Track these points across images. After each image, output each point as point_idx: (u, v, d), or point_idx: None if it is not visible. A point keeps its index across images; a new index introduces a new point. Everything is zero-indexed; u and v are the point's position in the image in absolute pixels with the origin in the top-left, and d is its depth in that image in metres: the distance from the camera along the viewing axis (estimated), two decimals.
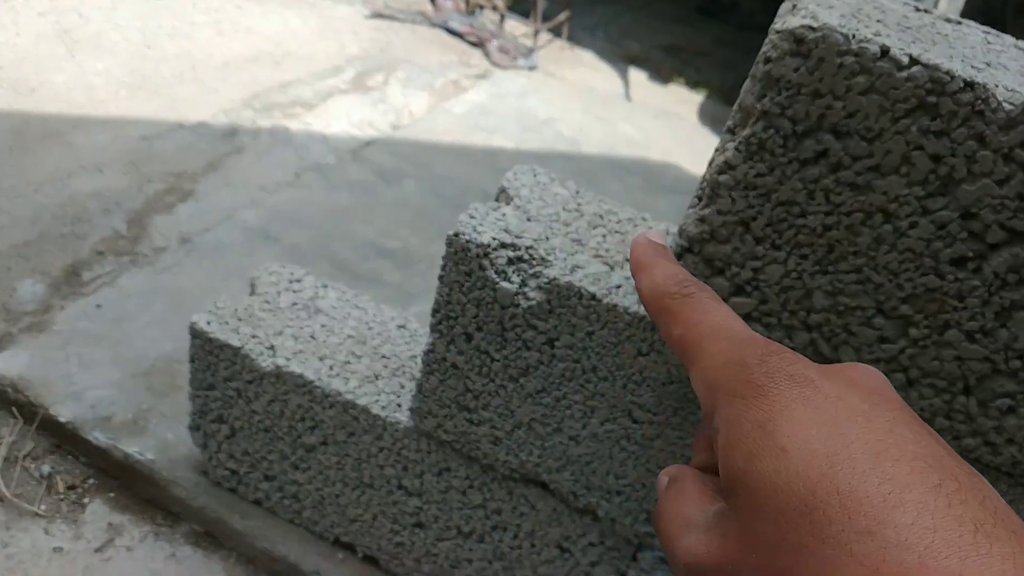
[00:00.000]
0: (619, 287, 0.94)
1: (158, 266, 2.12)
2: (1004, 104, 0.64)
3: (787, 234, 0.77)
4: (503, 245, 0.95)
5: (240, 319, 1.29)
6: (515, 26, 4.56)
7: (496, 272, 0.95)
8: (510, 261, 0.95)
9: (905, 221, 0.72)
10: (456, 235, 0.94)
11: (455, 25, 4.30)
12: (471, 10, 4.56)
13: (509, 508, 1.19)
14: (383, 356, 1.30)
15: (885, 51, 0.66)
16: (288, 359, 1.24)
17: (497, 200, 1.07)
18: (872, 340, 0.79)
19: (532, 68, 4.11)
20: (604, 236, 1.02)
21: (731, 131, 0.76)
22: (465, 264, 0.96)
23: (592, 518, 1.12)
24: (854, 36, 0.66)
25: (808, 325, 0.81)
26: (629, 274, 0.96)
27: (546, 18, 4.63)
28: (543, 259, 0.95)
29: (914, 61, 0.65)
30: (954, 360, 0.77)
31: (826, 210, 0.74)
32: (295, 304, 1.35)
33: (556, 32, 4.73)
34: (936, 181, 0.69)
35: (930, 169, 0.69)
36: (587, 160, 3.37)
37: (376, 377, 1.26)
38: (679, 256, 0.83)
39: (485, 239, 0.94)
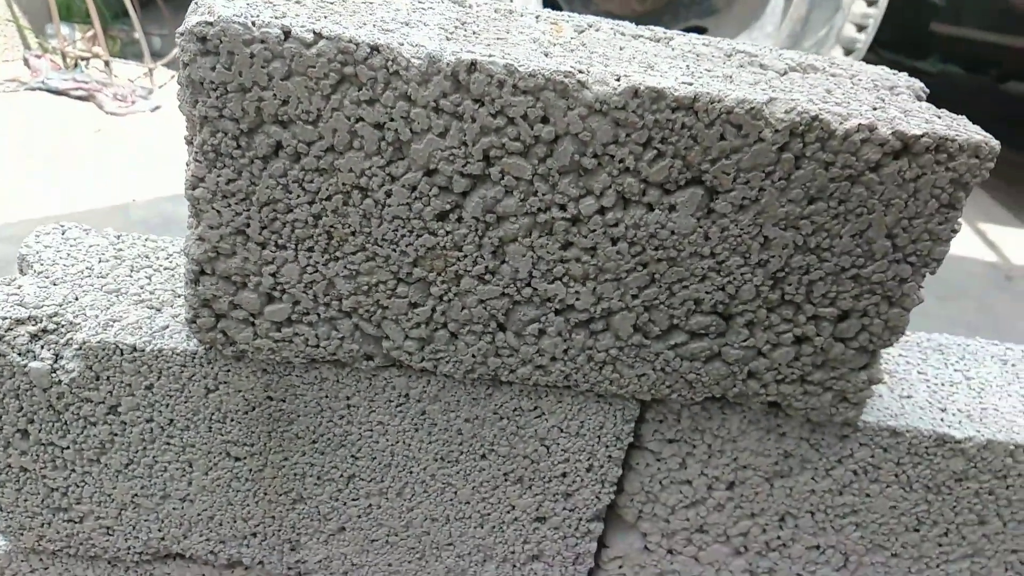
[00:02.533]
0: (166, 328, 0.87)
1: None
2: (413, 61, 0.67)
3: (285, 232, 0.75)
4: (18, 321, 0.84)
5: None
6: (127, 70, 4.22)
7: (19, 354, 0.84)
8: (33, 336, 0.84)
9: (380, 192, 0.73)
10: None
11: (56, 83, 3.88)
12: (72, 64, 4.15)
13: None
14: None
15: (287, 32, 0.65)
16: None
17: (20, 272, 0.95)
18: (404, 308, 0.80)
19: (155, 109, 3.84)
20: (149, 277, 0.94)
21: (190, 143, 0.72)
22: None
23: (243, 568, 1.06)
24: (255, 23, 0.65)
25: (345, 311, 0.81)
26: (177, 312, 0.89)
27: (159, 55, 4.35)
28: (72, 323, 0.85)
29: (319, 36, 0.66)
30: (478, 304, 0.80)
31: (307, 200, 0.73)
32: None
33: (175, 67, 4.46)
34: (388, 148, 0.71)
35: (379, 138, 0.70)
36: None
37: None
38: (196, 281, 0.78)
39: None
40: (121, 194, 3.03)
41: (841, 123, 0.70)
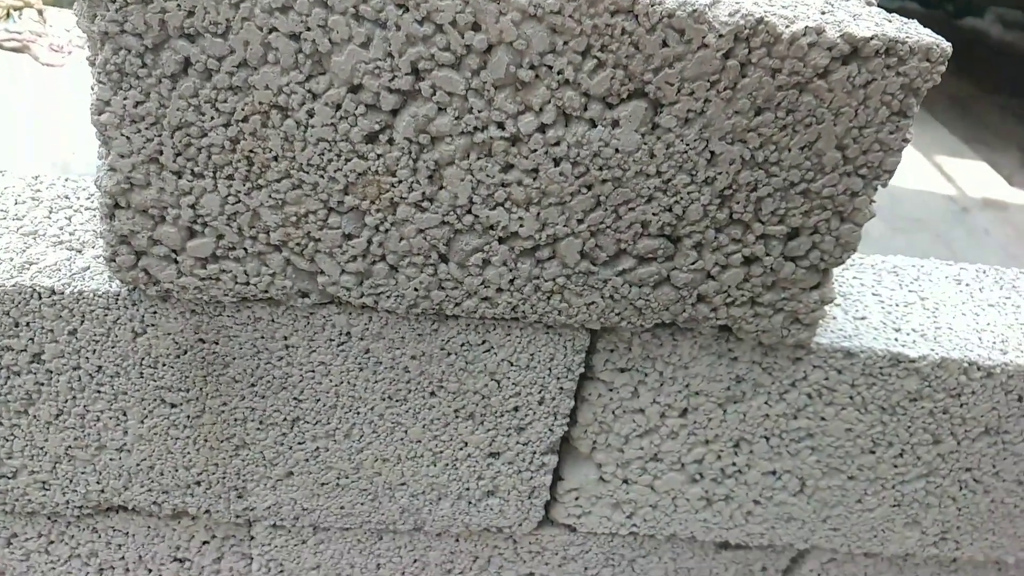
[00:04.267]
0: (86, 269, 0.82)
1: None
2: None
3: (201, 159, 0.70)
4: None
5: None
6: (62, 19, 4.03)
7: None
8: None
9: (301, 111, 0.68)
10: None
11: None
12: (4, 15, 3.94)
13: (103, 545, 1.05)
14: None
15: None
16: None
17: None
18: (338, 240, 0.76)
19: None
20: (69, 219, 0.89)
21: (92, 63, 0.66)
22: None
23: (190, 518, 1.02)
24: None
25: (274, 245, 0.76)
26: (99, 253, 0.84)
27: None
28: None
29: None
30: (417, 234, 0.76)
31: (223, 122, 0.68)
32: None
33: None
34: (307, 61, 0.66)
35: (295, 50, 0.65)
36: None
37: None
38: (111, 216, 0.73)
39: None
40: (60, 148, 2.91)
41: (787, 26, 0.66)
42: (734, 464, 1.00)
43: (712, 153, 0.73)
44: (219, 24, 0.63)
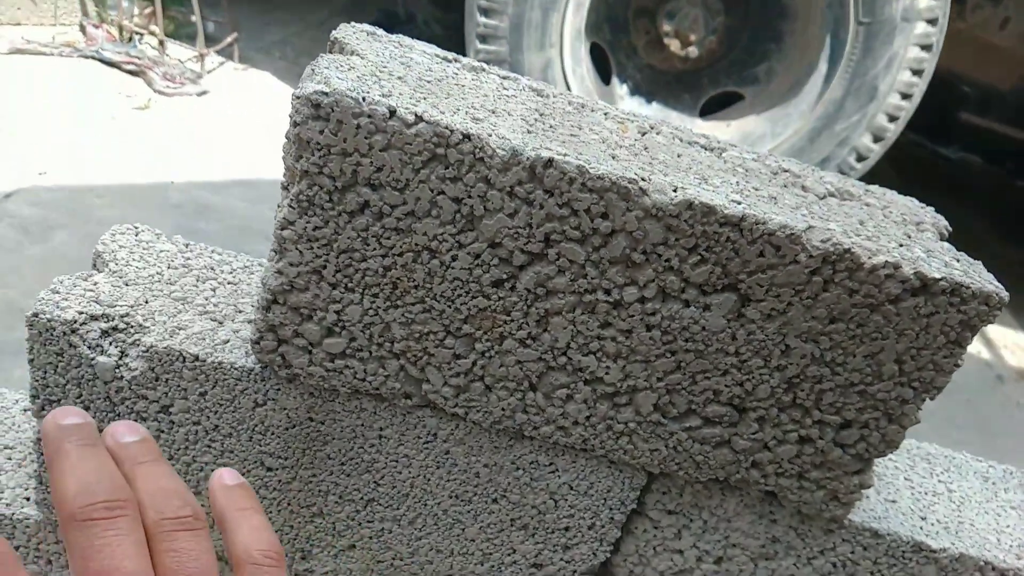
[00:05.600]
0: (227, 342, 0.94)
1: None
2: (498, 151, 0.75)
3: (356, 278, 0.83)
4: (93, 318, 0.91)
5: None
6: (179, 51, 4.33)
7: (89, 347, 0.91)
8: (104, 333, 0.92)
9: (447, 256, 0.81)
10: (36, 315, 0.89)
11: (109, 55, 3.98)
12: (127, 38, 4.25)
13: None
14: (5, 447, 1.18)
15: (393, 111, 0.73)
16: None
17: (94, 267, 1.02)
18: (449, 358, 0.88)
19: (202, 94, 3.94)
20: (214, 290, 1.02)
21: (285, 188, 0.80)
22: (53, 344, 0.91)
23: None
24: (364, 99, 0.73)
25: (395, 353, 0.88)
26: (238, 327, 0.97)
27: (213, 40, 4.45)
28: (141, 326, 0.93)
29: (419, 119, 0.74)
30: (516, 364, 0.88)
31: (382, 253, 0.81)
32: None
33: (226, 54, 4.56)
34: (462, 220, 0.78)
35: (455, 210, 0.78)
36: (268, 185, 3.31)
37: None
38: (267, 308, 0.86)
39: (69, 315, 0.90)
40: (161, 173, 3.11)
41: (870, 258, 0.78)
42: None
43: (787, 346, 0.83)
44: (399, 181, 0.76)
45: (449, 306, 0.84)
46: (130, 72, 3.92)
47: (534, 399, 0.90)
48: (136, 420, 0.96)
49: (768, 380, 0.86)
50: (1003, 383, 3.53)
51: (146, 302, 0.96)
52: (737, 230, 0.77)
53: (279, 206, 0.81)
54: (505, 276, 0.82)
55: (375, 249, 0.81)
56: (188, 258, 1.06)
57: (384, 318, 0.86)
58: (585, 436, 0.93)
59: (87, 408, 0.96)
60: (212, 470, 1.00)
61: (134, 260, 1.02)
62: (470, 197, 0.77)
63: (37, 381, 0.94)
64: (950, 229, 0.93)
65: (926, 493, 1.09)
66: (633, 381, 0.88)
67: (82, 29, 4.22)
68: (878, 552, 1.01)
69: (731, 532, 1.01)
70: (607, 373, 0.88)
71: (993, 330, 3.99)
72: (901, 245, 0.82)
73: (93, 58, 3.97)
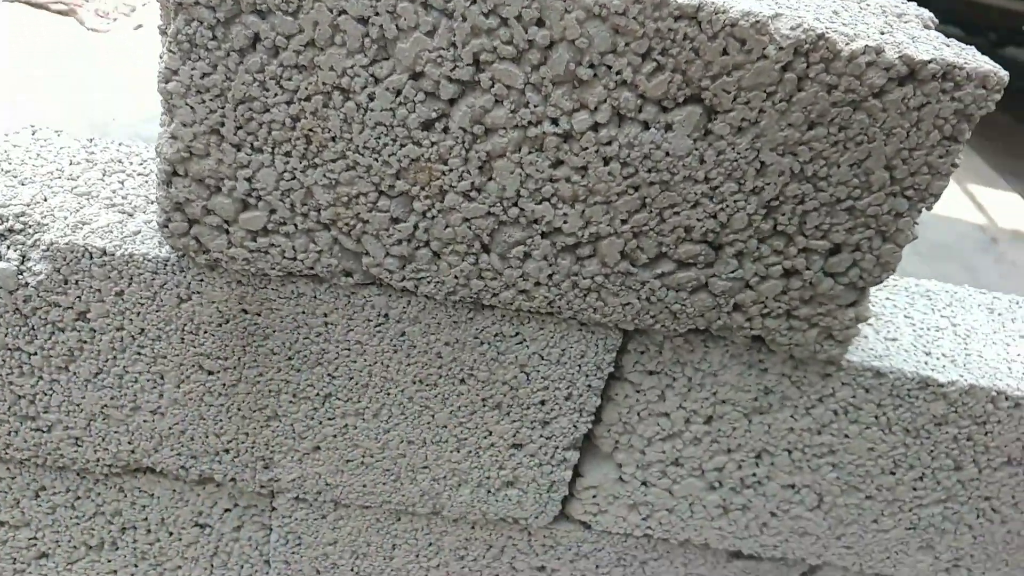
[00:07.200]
0: (138, 233, 0.84)
1: None
2: None
3: (261, 134, 0.72)
4: None
5: None
6: None
7: None
8: (0, 236, 0.81)
9: (363, 95, 0.69)
10: None
11: None
12: None
13: (128, 505, 1.07)
14: None
15: None
16: None
17: None
18: (386, 223, 0.77)
19: (138, 27, 3.72)
20: (122, 182, 0.91)
21: (164, 32, 0.68)
22: None
23: (215, 485, 1.04)
24: None
25: (323, 224, 0.78)
26: (150, 218, 0.86)
27: None
28: (40, 224, 0.82)
29: None
30: (463, 223, 0.78)
31: (286, 100, 0.70)
32: None
33: None
34: (372, 45, 0.67)
35: (362, 34, 0.66)
36: None
37: None
38: (168, 183, 0.75)
39: None
40: (101, 113, 2.95)
41: (847, 44, 0.67)
42: (754, 475, 1.01)
43: (762, 163, 0.73)
44: (290, 2, 0.64)
45: (376, 159, 0.73)
46: (59, 12, 3.69)
47: (488, 261, 0.81)
48: (53, 331, 0.86)
49: (744, 207, 0.76)
50: (997, 244, 3.46)
51: (44, 199, 0.85)
52: (695, 23, 0.66)
53: (160, 56, 0.69)
54: (435, 114, 0.71)
55: (277, 95, 0.69)
56: (92, 152, 0.94)
57: (303, 181, 0.75)
58: (550, 297, 0.83)
59: None
60: (147, 380, 0.91)
61: (30, 158, 0.90)
62: (377, 14, 0.65)
63: None
64: (936, 21, 0.82)
65: (929, 329, 1.01)
66: (595, 227, 0.78)
67: None
68: (881, 393, 0.93)
69: (719, 387, 0.93)
70: (565, 222, 0.78)
71: (983, 192, 3.91)
72: (882, 32, 0.71)
73: (18, 1, 3.73)
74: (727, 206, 0.76)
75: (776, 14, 0.67)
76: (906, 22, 0.78)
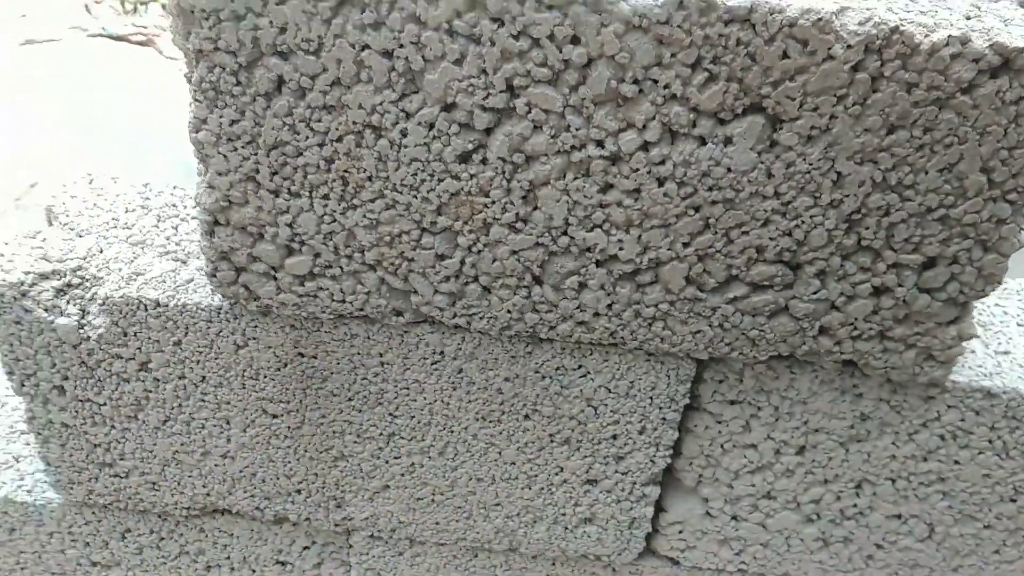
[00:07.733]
0: (190, 282, 0.83)
1: None
2: None
3: (297, 178, 0.69)
4: (42, 276, 0.82)
5: None
6: None
7: (46, 309, 0.82)
8: (58, 291, 0.82)
9: (395, 131, 0.66)
10: None
11: (115, 29, 3.95)
12: (132, 9, 4.20)
13: (210, 544, 1.08)
14: (22, 432, 1.13)
15: None
16: None
17: (48, 224, 0.93)
18: (431, 260, 0.74)
19: None
20: (176, 228, 0.91)
21: (188, 80, 0.67)
22: (8, 312, 0.82)
23: (291, 524, 1.04)
24: None
25: (368, 264, 0.75)
26: (203, 264, 0.86)
27: None
28: (96, 277, 0.83)
29: None
30: (511, 255, 0.73)
31: (318, 142, 0.67)
32: None
33: None
34: (400, 79, 0.63)
35: (388, 68, 0.63)
36: None
37: (16, 459, 1.09)
38: (211, 233, 0.74)
39: (15, 277, 0.80)
40: (186, 148, 3.06)
41: (926, 35, 0.59)
42: (855, 506, 0.92)
43: (838, 174, 0.66)
44: (311, 41, 0.62)
45: (415, 196, 0.70)
46: (139, 43, 3.87)
47: (542, 294, 0.76)
48: (118, 382, 0.87)
49: (822, 222, 0.68)
50: None
51: (100, 251, 0.86)
52: (748, 27, 0.59)
53: (188, 104, 0.68)
54: (471, 146, 0.67)
55: (308, 137, 0.67)
56: (147, 198, 0.95)
57: (344, 223, 0.72)
58: (611, 328, 0.78)
59: (65, 378, 0.87)
60: (214, 426, 0.91)
61: (87, 209, 0.92)
62: (401, 46, 0.62)
63: (6, 356, 0.86)
64: None
65: None
66: (654, 253, 0.72)
67: (86, 8, 4.18)
68: (994, 415, 0.83)
69: (810, 416, 0.84)
70: (621, 248, 0.72)
71: None
72: (968, 18, 0.62)
73: (101, 36, 3.94)
74: (803, 222, 0.69)
75: (841, 8, 0.59)
76: (996, 1, 0.68)
